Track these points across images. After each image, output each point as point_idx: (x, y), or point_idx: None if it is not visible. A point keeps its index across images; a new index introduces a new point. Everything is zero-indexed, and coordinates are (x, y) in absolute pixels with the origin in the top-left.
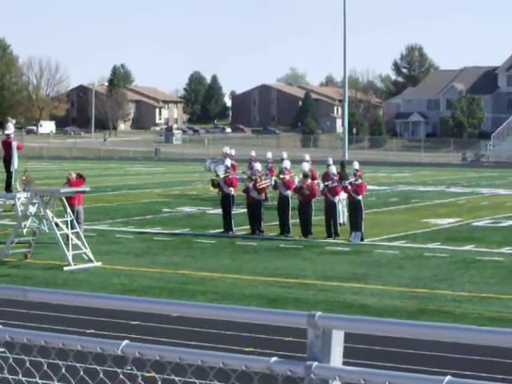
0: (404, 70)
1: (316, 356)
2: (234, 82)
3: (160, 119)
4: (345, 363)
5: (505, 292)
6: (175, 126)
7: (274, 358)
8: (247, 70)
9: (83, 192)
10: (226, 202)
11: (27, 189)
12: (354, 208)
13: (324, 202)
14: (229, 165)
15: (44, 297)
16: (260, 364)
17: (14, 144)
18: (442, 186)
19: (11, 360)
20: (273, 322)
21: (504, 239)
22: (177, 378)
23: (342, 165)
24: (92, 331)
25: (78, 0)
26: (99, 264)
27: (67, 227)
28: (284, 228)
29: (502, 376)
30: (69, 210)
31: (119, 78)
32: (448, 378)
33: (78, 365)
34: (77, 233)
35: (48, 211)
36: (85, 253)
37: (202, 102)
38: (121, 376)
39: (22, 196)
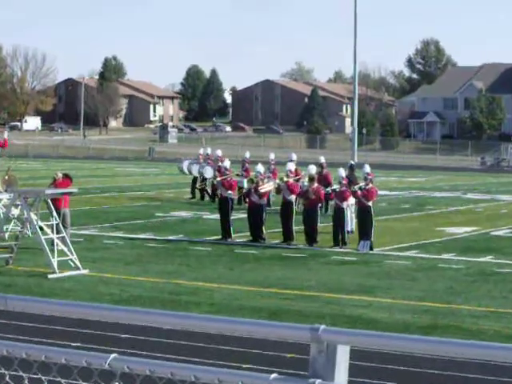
0: (419, 66)
1: (319, 373)
2: (235, 77)
3: (154, 116)
4: (350, 382)
5: None
6: (171, 123)
7: (274, 375)
8: (249, 65)
9: (70, 194)
10: (225, 207)
11: (10, 190)
12: (364, 215)
13: (332, 208)
14: (227, 166)
15: (26, 305)
16: (258, 381)
17: None
18: (458, 192)
19: None
20: (273, 335)
21: None
22: None
23: (351, 168)
24: (78, 344)
25: None
26: (86, 272)
27: (52, 231)
28: (287, 235)
29: None
30: (54, 213)
31: (111, 71)
32: None
33: (62, 380)
34: (63, 238)
35: (32, 214)
36: (71, 259)
37: (199, 98)
38: None
39: (3, 197)
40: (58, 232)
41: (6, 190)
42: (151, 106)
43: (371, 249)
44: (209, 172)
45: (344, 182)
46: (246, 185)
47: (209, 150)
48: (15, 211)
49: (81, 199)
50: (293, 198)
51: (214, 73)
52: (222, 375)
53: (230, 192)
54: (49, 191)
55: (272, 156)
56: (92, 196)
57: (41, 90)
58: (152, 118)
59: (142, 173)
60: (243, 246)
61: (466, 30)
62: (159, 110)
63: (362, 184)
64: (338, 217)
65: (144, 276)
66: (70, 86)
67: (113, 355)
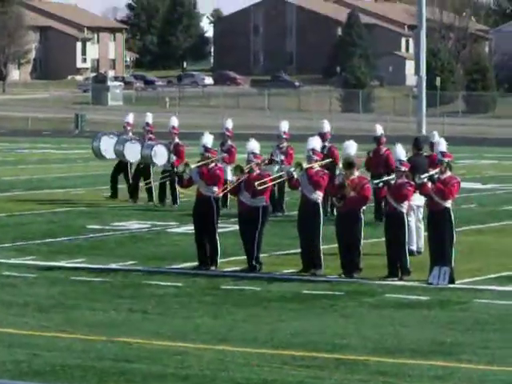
0: None
1: None
2: None
3: (84, 61)
4: None
5: None
6: (111, 73)
7: None
8: None
9: None
10: (205, 214)
11: None
12: (439, 224)
13: (384, 213)
14: (209, 145)
15: None
16: None
17: None
18: None
19: None
20: None
21: None
22: None
23: (417, 144)
24: None
25: None
26: None
27: None
28: (310, 259)
29: None
30: None
31: None
32: None
33: None
34: None
35: None
36: None
37: (160, 30)
38: None
39: None
40: None
41: None
42: (78, 45)
43: (452, 281)
44: (162, 155)
45: (404, 167)
46: (229, 176)
47: (148, 119)
48: None
49: None
50: (319, 196)
51: None
52: None
53: (213, 189)
54: None
55: (284, 126)
56: None
57: None
58: (80, 65)
59: (63, 157)
60: (236, 278)
61: None
62: (92, 50)
63: (433, 171)
64: (394, 228)
65: (70, 331)
66: None
67: None
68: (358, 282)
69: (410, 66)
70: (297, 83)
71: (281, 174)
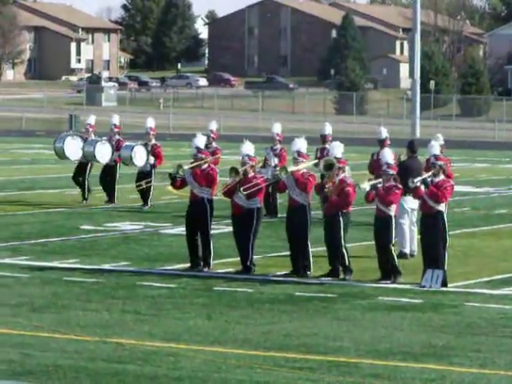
0: None
1: None
2: None
3: (78, 62)
4: None
5: None
6: (106, 74)
7: None
8: None
9: None
10: (199, 215)
11: None
12: (431, 227)
13: (374, 216)
14: (201, 146)
15: None
16: None
17: None
18: None
19: None
20: None
21: None
22: None
23: (411, 147)
24: None
25: None
26: None
27: None
28: (300, 261)
29: None
30: None
31: None
32: None
33: None
34: None
35: None
36: None
37: (154, 31)
38: None
39: None
40: None
41: None
42: (73, 46)
43: (444, 284)
44: (141, 157)
45: (391, 171)
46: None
47: (115, 120)
48: None
49: None
50: (306, 198)
51: None
52: None
53: (207, 190)
54: None
55: (277, 128)
56: None
57: None
58: (74, 66)
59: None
60: (229, 280)
61: None
62: (86, 51)
63: (427, 175)
64: (382, 231)
65: (63, 331)
66: None
67: None
68: (351, 285)
69: (404, 68)
70: (291, 85)
71: (267, 177)
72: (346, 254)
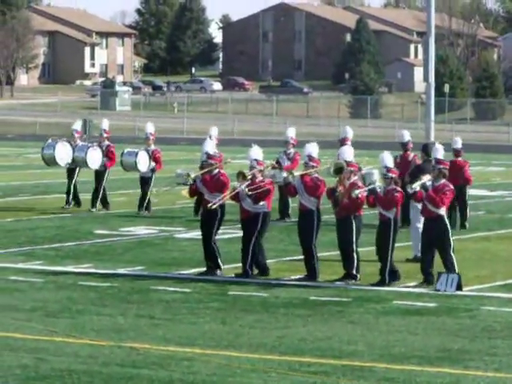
0: None
1: None
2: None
3: (92, 66)
4: None
5: None
6: (120, 78)
7: None
8: None
9: None
10: (209, 220)
11: None
12: (433, 231)
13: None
14: (211, 152)
15: None
16: None
17: None
18: None
19: None
20: None
21: None
22: None
23: (426, 150)
24: None
25: None
26: None
27: None
28: (308, 268)
29: None
30: None
31: None
32: None
33: None
34: None
35: None
36: None
37: (168, 35)
38: None
39: None
40: None
41: None
42: (87, 50)
43: (459, 288)
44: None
45: (391, 174)
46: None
47: (105, 125)
48: None
49: None
50: (315, 203)
51: None
52: None
53: (218, 194)
54: None
55: (291, 132)
56: None
57: None
58: (88, 70)
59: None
60: (244, 284)
61: None
62: (101, 55)
63: (426, 179)
64: (383, 235)
65: (77, 336)
66: None
67: None
68: (366, 289)
69: (418, 72)
70: (305, 89)
71: (278, 180)
72: (355, 259)
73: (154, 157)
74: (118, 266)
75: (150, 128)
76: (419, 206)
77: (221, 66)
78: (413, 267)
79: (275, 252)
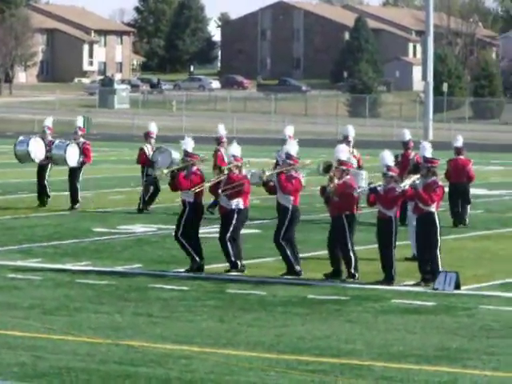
0: None
1: None
2: None
3: (91, 64)
4: None
5: None
6: (118, 76)
7: None
8: None
9: None
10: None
11: None
12: (424, 228)
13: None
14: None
15: None
16: None
17: None
18: None
19: None
20: None
21: None
22: None
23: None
24: None
25: None
26: None
27: None
28: (288, 265)
29: None
30: None
31: None
32: None
33: None
34: None
35: None
36: None
37: (167, 33)
38: None
39: None
40: None
41: None
42: (85, 48)
43: (458, 287)
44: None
45: (391, 173)
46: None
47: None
48: None
49: None
50: (290, 201)
51: None
52: None
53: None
54: None
55: (289, 131)
56: None
57: None
58: (87, 68)
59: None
60: (242, 282)
61: None
62: (99, 53)
63: (414, 177)
64: (383, 233)
65: (75, 334)
66: None
67: None
68: (364, 288)
69: (417, 71)
70: (304, 88)
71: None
72: (352, 258)
73: (84, 148)
74: (116, 263)
75: (79, 122)
76: None
77: (219, 64)
78: (411, 266)
79: (273, 250)
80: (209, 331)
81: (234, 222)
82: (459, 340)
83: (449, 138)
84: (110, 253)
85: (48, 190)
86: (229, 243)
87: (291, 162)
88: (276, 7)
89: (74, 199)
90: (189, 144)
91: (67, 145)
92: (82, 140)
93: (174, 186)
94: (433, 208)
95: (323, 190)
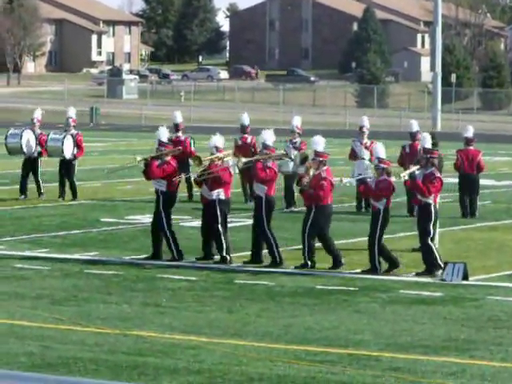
0: None
1: None
2: None
3: (99, 54)
4: None
5: None
6: (127, 66)
7: None
8: None
9: None
10: (156, 206)
11: None
12: (420, 218)
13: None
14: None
15: None
16: None
17: None
18: None
19: None
20: None
21: None
22: None
23: (433, 138)
24: None
25: None
26: None
27: None
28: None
29: None
30: None
31: None
32: None
33: None
34: None
35: None
36: None
37: (175, 24)
38: None
39: None
40: None
41: None
42: (94, 38)
43: (466, 277)
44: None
45: (383, 165)
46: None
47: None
48: None
49: None
50: (262, 190)
51: None
52: None
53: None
54: None
55: (297, 121)
56: None
57: None
58: (96, 58)
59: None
60: (250, 273)
61: None
62: (108, 44)
63: (414, 168)
64: (370, 225)
65: (83, 324)
66: None
67: None
68: (372, 278)
69: (425, 62)
70: (312, 78)
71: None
72: (308, 247)
73: (77, 140)
74: (123, 253)
75: (71, 112)
76: None
77: (228, 54)
78: (418, 257)
79: (280, 240)
80: (217, 322)
81: (218, 212)
82: (467, 331)
83: (457, 128)
84: (118, 243)
85: (22, 182)
86: (220, 235)
87: (268, 151)
88: None
89: (75, 192)
90: (164, 133)
91: (64, 137)
92: (74, 131)
93: (147, 174)
94: (430, 200)
95: (298, 180)
